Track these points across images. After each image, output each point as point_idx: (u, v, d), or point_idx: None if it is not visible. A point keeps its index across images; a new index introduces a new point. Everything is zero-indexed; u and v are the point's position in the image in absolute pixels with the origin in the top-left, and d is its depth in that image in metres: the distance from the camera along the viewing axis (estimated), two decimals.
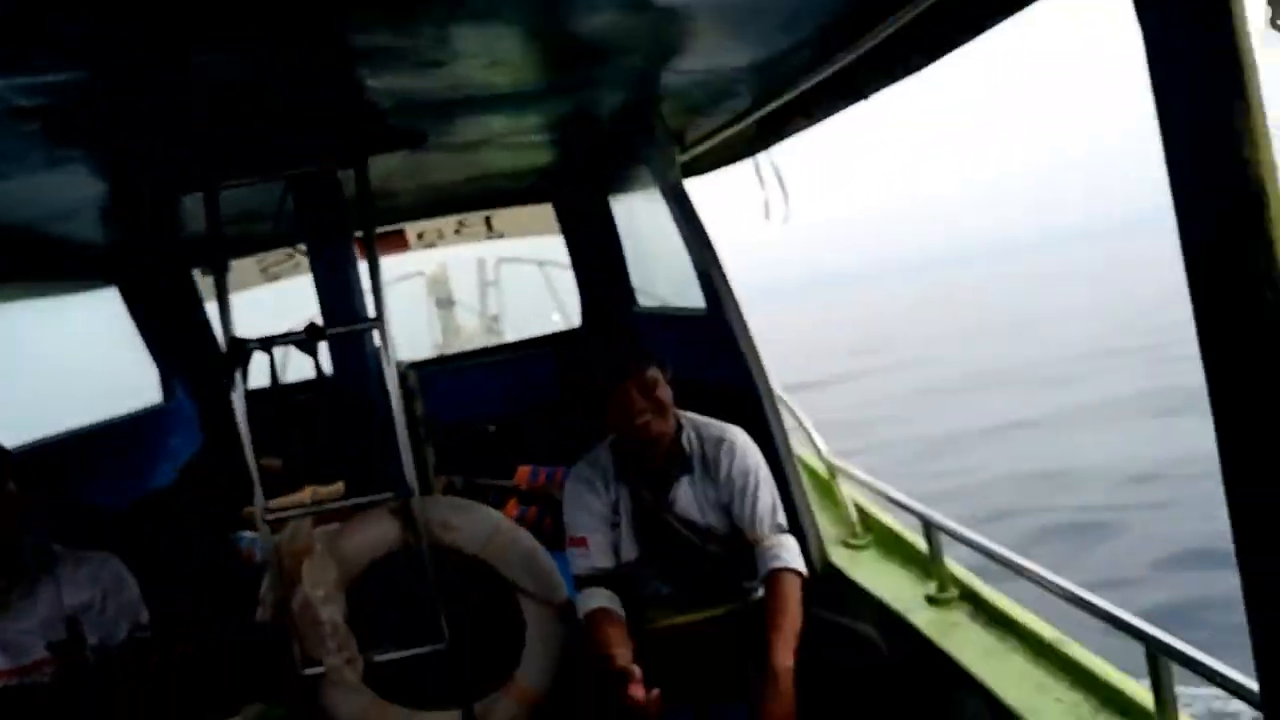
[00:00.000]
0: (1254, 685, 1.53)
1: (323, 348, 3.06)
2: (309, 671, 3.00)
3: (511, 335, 8.16)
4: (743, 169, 3.73)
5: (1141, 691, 2.00)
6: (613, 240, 4.94)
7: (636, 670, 2.17)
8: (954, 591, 2.74)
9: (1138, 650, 1.86)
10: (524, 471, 3.74)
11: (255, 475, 2.94)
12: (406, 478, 2.97)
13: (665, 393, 2.48)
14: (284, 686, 3.14)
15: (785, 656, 2.24)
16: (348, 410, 3.18)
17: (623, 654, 2.27)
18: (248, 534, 3.22)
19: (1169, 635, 1.81)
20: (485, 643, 3.43)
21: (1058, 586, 2.21)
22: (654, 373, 2.45)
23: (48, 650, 2.34)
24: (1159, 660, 1.83)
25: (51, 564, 2.44)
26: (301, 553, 3.07)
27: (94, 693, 2.36)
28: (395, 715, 3.14)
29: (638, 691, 2.13)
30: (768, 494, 2.54)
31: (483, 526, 3.13)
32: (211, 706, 2.80)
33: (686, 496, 2.51)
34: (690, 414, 2.64)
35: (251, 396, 2.88)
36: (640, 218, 4.38)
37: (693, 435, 2.57)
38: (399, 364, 3.55)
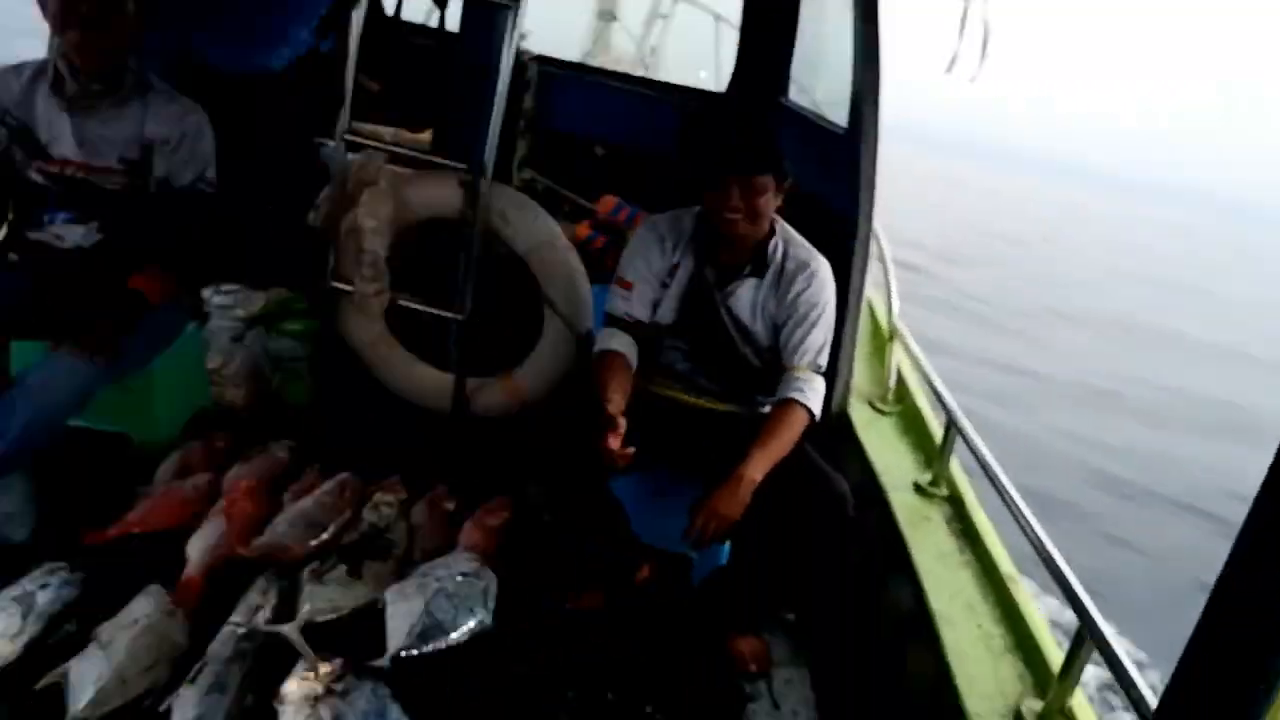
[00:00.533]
0: (1152, 700, 1.50)
1: (456, 8, 2.95)
2: (338, 284, 3.13)
3: (659, 76, 7.83)
4: (947, 7, 3.34)
5: (1055, 654, 1.99)
6: (790, 22, 4.59)
7: (622, 422, 2.19)
8: (943, 490, 2.71)
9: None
10: (609, 201, 3.68)
11: (349, 90, 2.92)
12: (486, 157, 2.94)
13: (768, 202, 2.36)
14: (312, 289, 3.30)
15: (756, 470, 2.25)
16: (457, 75, 3.10)
17: (617, 401, 2.27)
18: (330, 144, 3.25)
19: (1101, 617, 1.77)
20: (499, 335, 3.53)
21: (1033, 533, 2.16)
22: (765, 180, 2.32)
23: (119, 163, 2.45)
24: (1083, 637, 1.80)
25: (146, 90, 2.50)
26: (367, 182, 3.11)
27: None
28: (399, 356, 3.29)
29: (614, 442, 2.16)
30: (821, 334, 2.46)
31: (538, 233, 3.12)
32: None
33: (746, 296, 2.44)
34: (788, 228, 2.53)
35: (373, 18, 2.80)
36: (826, 11, 4.04)
37: (780, 247, 2.47)
38: (524, 52, 3.42)
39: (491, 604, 2.30)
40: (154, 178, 2.51)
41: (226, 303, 3.22)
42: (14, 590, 2.07)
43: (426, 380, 3.29)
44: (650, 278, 2.47)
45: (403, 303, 3.19)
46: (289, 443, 2.83)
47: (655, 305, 2.48)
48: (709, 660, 2.43)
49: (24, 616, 1.99)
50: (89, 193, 2.48)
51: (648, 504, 2.63)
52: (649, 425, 2.37)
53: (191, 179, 2.55)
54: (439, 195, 3.12)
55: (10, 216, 2.55)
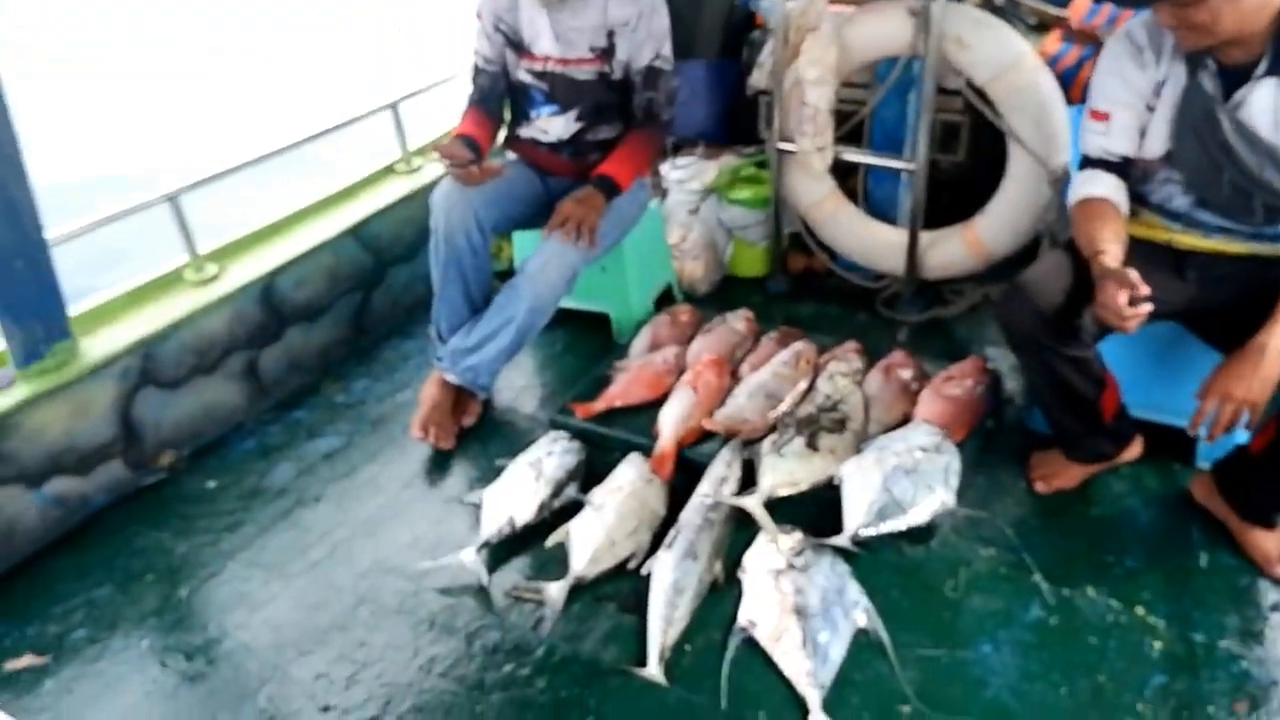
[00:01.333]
0: None
1: None
2: (782, 145, 3.06)
3: None
4: None
5: None
6: None
7: (1133, 274, 1.80)
8: None
9: None
10: (1083, 4, 3.06)
11: None
12: None
13: (1206, 12, 1.72)
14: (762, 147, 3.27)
15: None
16: None
17: (1114, 252, 1.89)
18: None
19: None
20: (957, 179, 3.21)
21: None
22: None
23: (589, 51, 2.60)
24: None
25: None
26: (807, 29, 2.94)
27: None
28: (846, 211, 3.16)
29: (1122, 298, 1.77)
30: None
31: (1002, 54, 2.71)
32: None
33: (1263, 101, 1.84)
34: None
35: None
36: None
37: None
38: None
39: (954, 482, 2.15)
40: (616, 61, 2.62)
41: (682, 176, 3.32)
42: (527, 456, 2.41)
43: (878, 238, 3.12)
44: (1131, 101, 1.98)
45: (849, 157, 3.03)
46: (746, 313, 2.89)
47: (1141, 135, 2.01)
48: (1214, 558, 2.05)
49: (536, 479, 2.32)
50: (567, 84, 2.67)
51: (1142, 369, 2.24)
52: (1141, 274, 1.97)
53: (650, 57, 2.61)
54: (886, 31, 2.84)
55: (507, 117, 2.86)
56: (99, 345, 2.46)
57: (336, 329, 3.07)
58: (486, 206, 2.62)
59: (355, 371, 3.04)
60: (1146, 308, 1.77)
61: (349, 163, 3.43)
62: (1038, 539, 2.14)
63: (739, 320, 2.84)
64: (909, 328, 3.02)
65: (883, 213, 3.19)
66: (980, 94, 2.79)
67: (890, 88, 2.97)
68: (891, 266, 3.08)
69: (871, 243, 3.11)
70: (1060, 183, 2.66)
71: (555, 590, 2.05)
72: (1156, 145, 1.98)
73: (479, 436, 2.67)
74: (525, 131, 2.80)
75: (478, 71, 2.74)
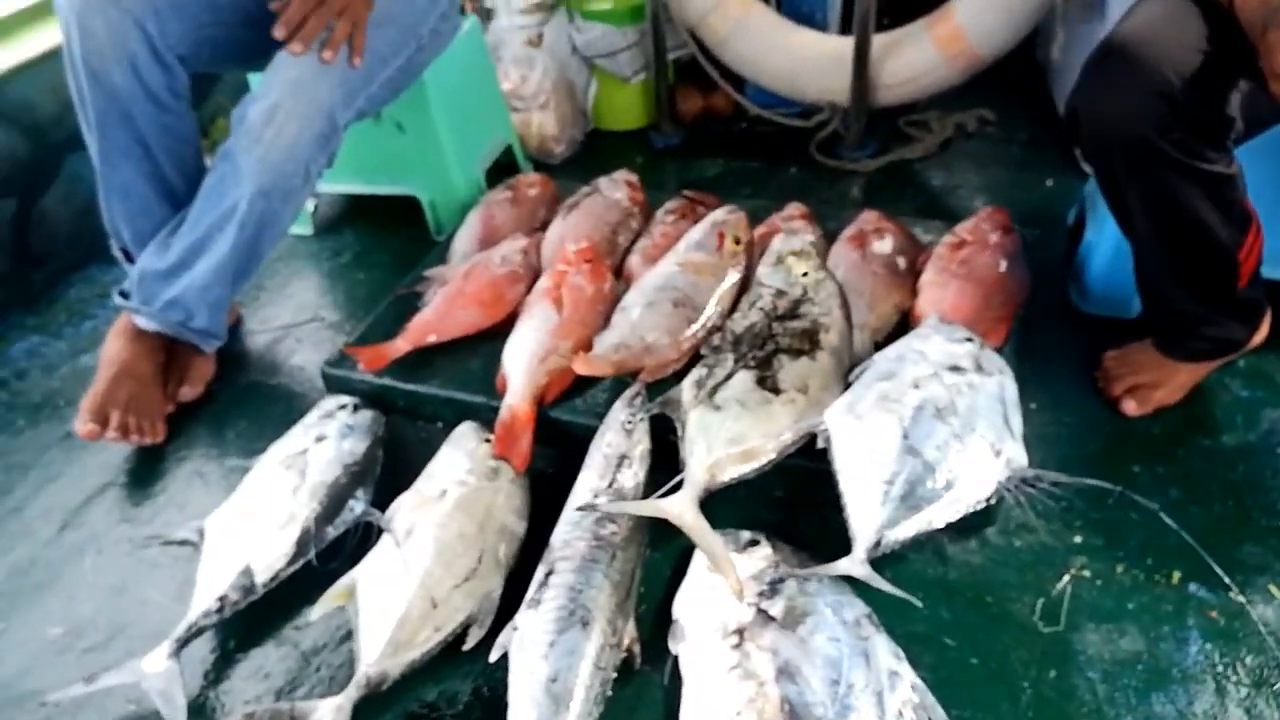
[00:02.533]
0: None
1: None
2: None
3: None
4: None
5: None
6: None
7: None
8: None
9: None
10: None
11: None
12: None
13: None
14: None
15: None
16: None
17: None
18: None
19: None
20: None
21: None
22: None
23: None
24: None
25: None
26: None
27: None
28: (758, 16, 2.13)
29: None
30: None
31: None
32: None
33: None
34: None
35: None
36: None
37: None
38: None
39: (1017, 422, 1.23)
40: None
41: None
42: (284, 447, 1.37)
43: (808, 51, 2.11)
44: None
45: None
46: (627, 174, 1.85)
47: None
48: None
49: (294, 490, 1.28)
50: None
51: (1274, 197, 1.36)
52: None
53: None
54: None
55: None
56: None
57: None
58: (165, 12, 1.48)
59: (18, 327, 1.88)
60: None
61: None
62: (1157, 499, 1.25)
63: (617, 187, 1.80)
64: (863, 180, 2.06)
65: (809, 15, 2.18)
66: None
67: None
68: (828, 92, 2.08)
69: (798, 59, 2.10)
70: None
71: (328, 714, 1.05)
72: None
73: (207, 418, 1.60)
74: None
75: None
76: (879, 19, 2.01)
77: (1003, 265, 1.52)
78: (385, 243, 2.02)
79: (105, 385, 1.50)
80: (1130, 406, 1.40)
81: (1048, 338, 1.56)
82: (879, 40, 2.01)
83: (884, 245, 1.58)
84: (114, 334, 1.57)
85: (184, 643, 1.12)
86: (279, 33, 1.45)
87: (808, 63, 2.10)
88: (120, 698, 1.12)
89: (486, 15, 2.27)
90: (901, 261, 1.57)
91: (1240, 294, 1.31)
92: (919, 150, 2.11)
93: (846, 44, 2.01)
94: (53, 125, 1.98)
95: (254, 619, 1.20)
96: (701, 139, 2.30)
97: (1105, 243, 1.56)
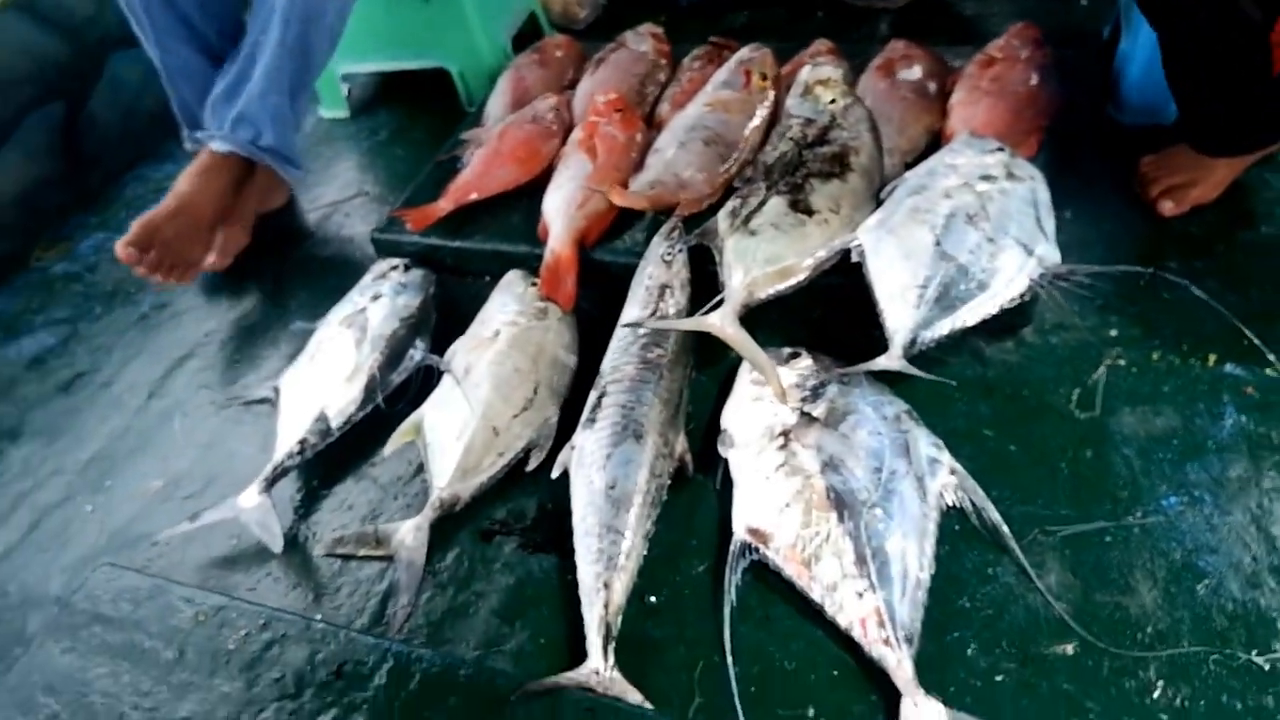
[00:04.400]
0: None
1: None
2: None
3: None
4: None
5: None
6: None
7: None
8: None
9: None
10: None
11: None
12: None
13: None
14: None
15: None
16: None
17: None
18: None
19: None
20: None
21: None
22: None
23: None
24: None
25: None
26: None
27: None
28: None
29: None
30: None
31: None
32: None
33: None
34: None
35: None
36: None
37: None
38: None
39: (1050, 223, 1.23)
40: None
41: None
42: (343, 309, 1.42)
43: None
44: None
45: None
46: (653, 27, 1.83)
47: None
48: None
49: (358, 344, 1.35)
50: None
51: None
52: None
53: None
54: None
55: None
56: None
57: (34, 164, 1.93)
58: None
59: (83, 225, 1.95)
60: None
61: None
62: (1190, 292, 1.25)
63: (642, 40, 1.79)
64: (890, 17, 2.01)
65: None
66: None
67: None
68: None
69: None
70: None
71: (408, 533, 1.13)
72: None
73: (269, 290, 1.66)
74: None
75: None
76: None
77: (1033, 79, 1.49)
78: (419, 119, 2.04)
79: (159, 215, 1.51)
80: (1167, 207, 1.38)
81: (1085, 149, 1.53)
82: None
83: (911, 71, 1.56)
84: (187, 172, 1.58)
85: (272, 481, 1.21)
86: None
87: None
88: (222, 534, 1.21)
89: None
90: (931, 86, 1.55)
91: (1276, 81, 1.28)
92: None
93: None
94: (89, 25, 2.01)
95: (332, 460, 1.28)
96: None
97: (1140, 51, 1.52)
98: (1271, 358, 1.14)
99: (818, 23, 2.06)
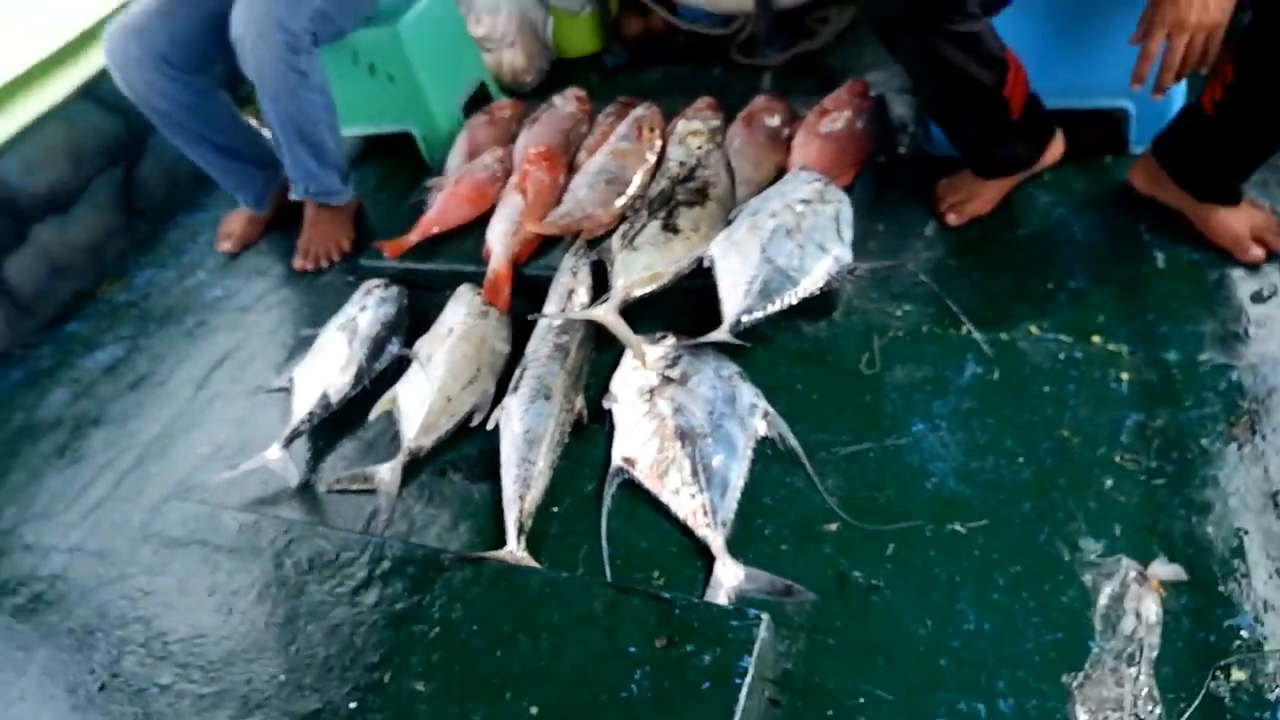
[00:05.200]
0: None
1: None
2: None
3: None
4: None
5: None
6: None
7: None
8: None
9: None
10: None
11: None
12: None
13: None
14: None
15: None
16: None
17: None
18: None
19: None
20: None
21: None
22: None
23: None
24: None
25: None
26: None
27: None
28: None
29: None
30: None
31: None
32: None
33: None
34: None
35: None
36: None
37: None
38: None
39: (848, 233, 1.62)
40: None
41: None
42: (338, 318, 1.82)
43: None
44: None
45: None
46: (576, 90, 2.23)
47: None
48: (1172, 256, 1.57)
49: (349, 344, 1.74)
50: None
51: (1050, 44, 1.69)
52: None
53: None
54: None
55: None
56: None
57: (100, 216, 2.35)
58: (166, 38, 1.92)
59: (136, 263, 2.35)
60: None
61: (70, 9, 2.59)
62: (960, 281, 1.63)
63: (569, 102, 2.19)
64: (772, 72, 2.40)
65: None
66: None
67: None
68: (739, 3, 2.42)
69: None
70: None
71: (386, 472, 1.52)
72: None
73: (286, 308, 2.06)
74: None
75: None
76: None
77: (857, 124, 1.87)
78: (394, 171, 2.43)
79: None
80: (951, 218, 1.76)
81: (903, 175, 1.92)
82: None
83: (769, 120, 1.95)
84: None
85: (289, 440, 1.59)
86: None
87: None
88: (255, 480, 1.60)
89: None
90: (784, 132, 1.94)
91: (1019, 122, 1.65)
92: (820, 41, 2.43)
93: None
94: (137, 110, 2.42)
95: (333, 426, 1.66)
96: (646, 56, 2.64)
97: None
98: (972, 330, 1.52)
99: (715, 77, 2.45)
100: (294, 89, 1.90)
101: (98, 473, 1.74)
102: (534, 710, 1.11)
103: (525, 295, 1.77)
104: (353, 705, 1.18)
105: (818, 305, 1.60)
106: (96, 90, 2.33)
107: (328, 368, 1.71)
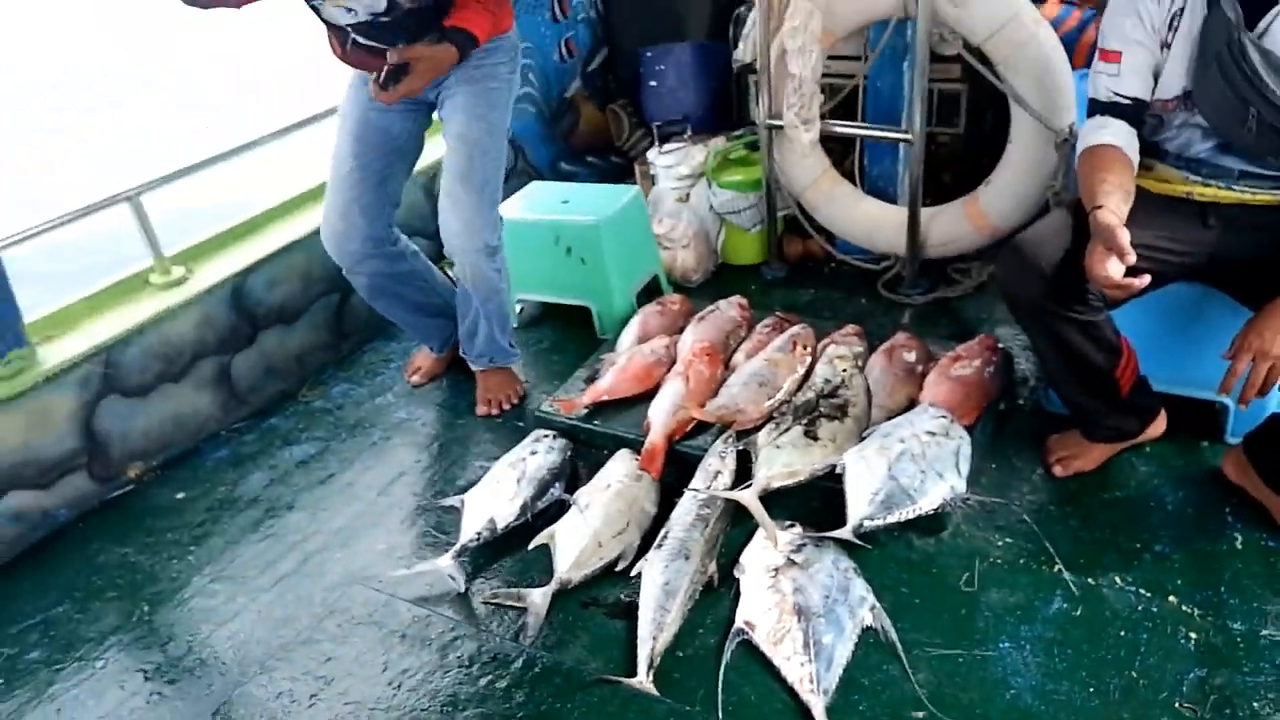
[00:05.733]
0: None
1: None
2: (772, 122, 2.91)
3: None
4: None
5: None
6: None
7: (1123, 235, 1.65)
8: None
9: None
10: None
11: None
12: None
13: None
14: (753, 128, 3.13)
15: None
16: None
17: (1114, 206, 1.72)
18: None
19: None
20: (957, 155, 3.07)
21: None
22: None
23: None
24: None
25: None
26: None
27: None
28: (843, 190, 3.01)
29: (1113, 267, 1.64)
30: None
31: (998, 9, 2.54)
32: None
33: None
34: None
35: None
36: None
37: None
38: None
39: (965, 467, 2.00)
40: None
41: (669, 163, 3.18)
42: (509, 457, 2.26)
43: (877, 216, 2.96)
44: (1144, 38, 1.82)
45: (839, 130, 2.88)
46: (739, 299, 2.74)
47: (1155, 75, 1.85)
48: (1250, 539, 1.88)
49: (518, 481, 2.17)
50: None
51: (1163, 337, 2.08)
52: (1158, 230, 1.83)
53: None
54: None
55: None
56: (58, 352, 2.33)
57: (314, 332, 2.94)
58: (363, 211, 2.43)
59: (334, 376, 2.90)
60: (1141, 281, 1.63)
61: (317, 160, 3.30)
62: (1058, 526, 1.97)
63: (732, 307, 2.69)
64: (913, 310, 2.86)
65: (881, 190, 3.04)
66: (978, 54, 2.63)
67: (882, 54, 2.82)
68: (892, 246, 2.92)
69: (871, 222, 2.96)
70: (1067, 145, 2.51)
71: (538, 596, 1.91)
72: (1174, 84, 1.82)
73: (460, 438, 2.54)
74: (331, 14, 2.19)
75: None
76: (935, 198, 2.86)
77: (985, 372, 2.28)
78: (567, 336, 2.96)
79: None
80: (1057, 470, 2.12)
81: (1020, 423, 2.30)
82: (927, 212, 2.84)
83: (907, 355, 2.38)
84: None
85: (459, 554, 2.01)
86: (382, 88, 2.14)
87: (877, 225, 2.94)
88: (422, 581, 2.00)
89: (652, 179, 3.24)
90: (918, 367, 2.36)
91: (1128, 399, 2.03)
92: (959, 290, 2.90)
93: (904, 213, 2.85)
94: None
95: (497, 549, 2.07)
96: (800, 274, 3.17)
97: None
98: (1063, 570, 1.84)
99: (861, 306, 2.93)
100: (493, 284, 2.46)
101: (287, 550, 2.18)
102: None
103: (674, 467, 2.19)
104: None
105: (929, 524, 1.97)
106: None
107: (498, 497, 2.14)
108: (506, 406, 2.62)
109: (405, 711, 1.68)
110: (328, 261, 2.93)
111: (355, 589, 1.99)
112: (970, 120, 2.95)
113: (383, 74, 2.14)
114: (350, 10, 2.15)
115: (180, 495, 2.42)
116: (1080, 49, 2.84)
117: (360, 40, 2.22)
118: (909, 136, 2.68)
